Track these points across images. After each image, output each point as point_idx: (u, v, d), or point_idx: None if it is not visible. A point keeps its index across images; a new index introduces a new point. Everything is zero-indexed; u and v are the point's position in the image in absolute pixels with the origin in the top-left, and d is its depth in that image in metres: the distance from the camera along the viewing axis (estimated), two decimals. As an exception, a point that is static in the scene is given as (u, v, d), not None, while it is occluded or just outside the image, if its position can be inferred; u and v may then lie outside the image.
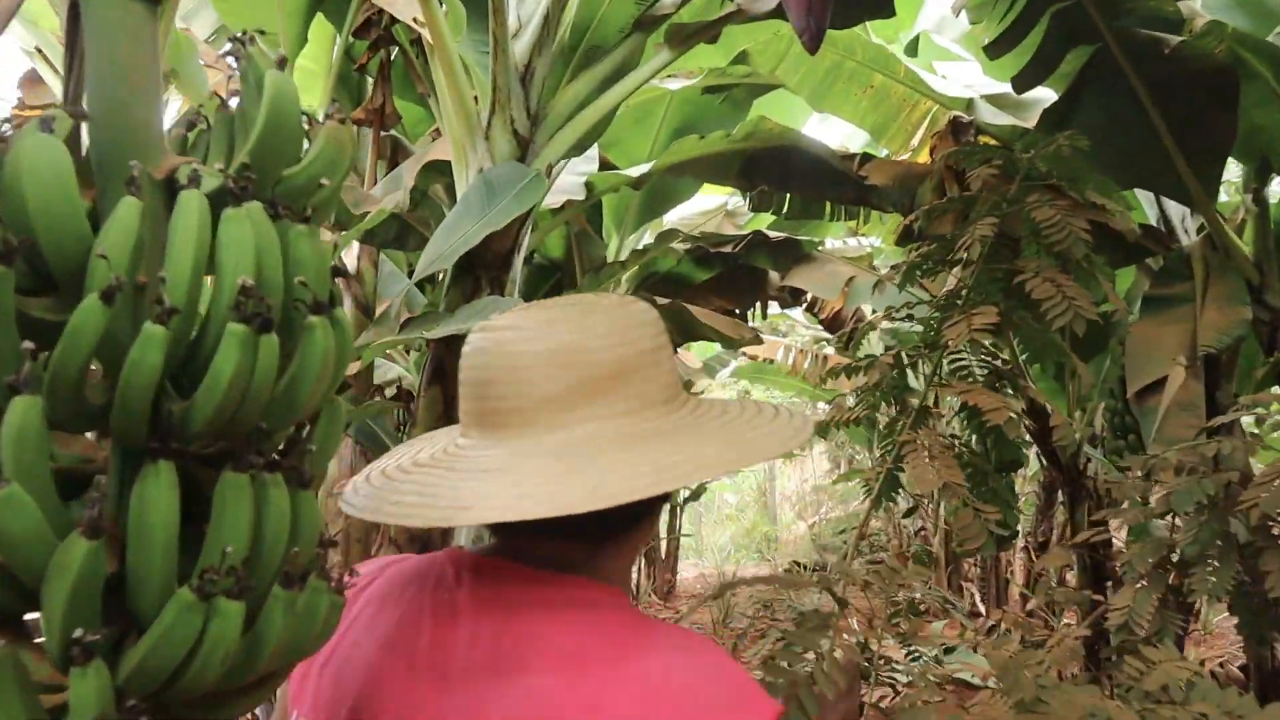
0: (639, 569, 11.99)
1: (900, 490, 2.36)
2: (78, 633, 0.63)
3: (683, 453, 0.92)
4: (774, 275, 6.48)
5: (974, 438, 4.22)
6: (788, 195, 5.00)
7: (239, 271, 0.68)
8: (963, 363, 2.76)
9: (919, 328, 8.12)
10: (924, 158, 4.67)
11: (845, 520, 17.32)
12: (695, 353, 10.91)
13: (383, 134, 4.58)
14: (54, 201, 0.66)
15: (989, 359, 3.00)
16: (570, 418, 0.93)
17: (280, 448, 0.77)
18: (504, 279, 3.18)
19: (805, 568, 14.06)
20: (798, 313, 12.18)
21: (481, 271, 3.13)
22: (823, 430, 2.69)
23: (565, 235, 6.13)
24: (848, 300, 5.75)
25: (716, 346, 11.54)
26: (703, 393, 13.10)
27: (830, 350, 11.07)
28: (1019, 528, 5.80)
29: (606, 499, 0.86)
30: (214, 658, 0.66)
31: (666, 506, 13.15)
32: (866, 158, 4.49)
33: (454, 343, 3.19)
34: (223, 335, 0.66)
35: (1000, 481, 5.45)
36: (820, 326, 10.65)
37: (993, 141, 4.32)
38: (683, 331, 5.44)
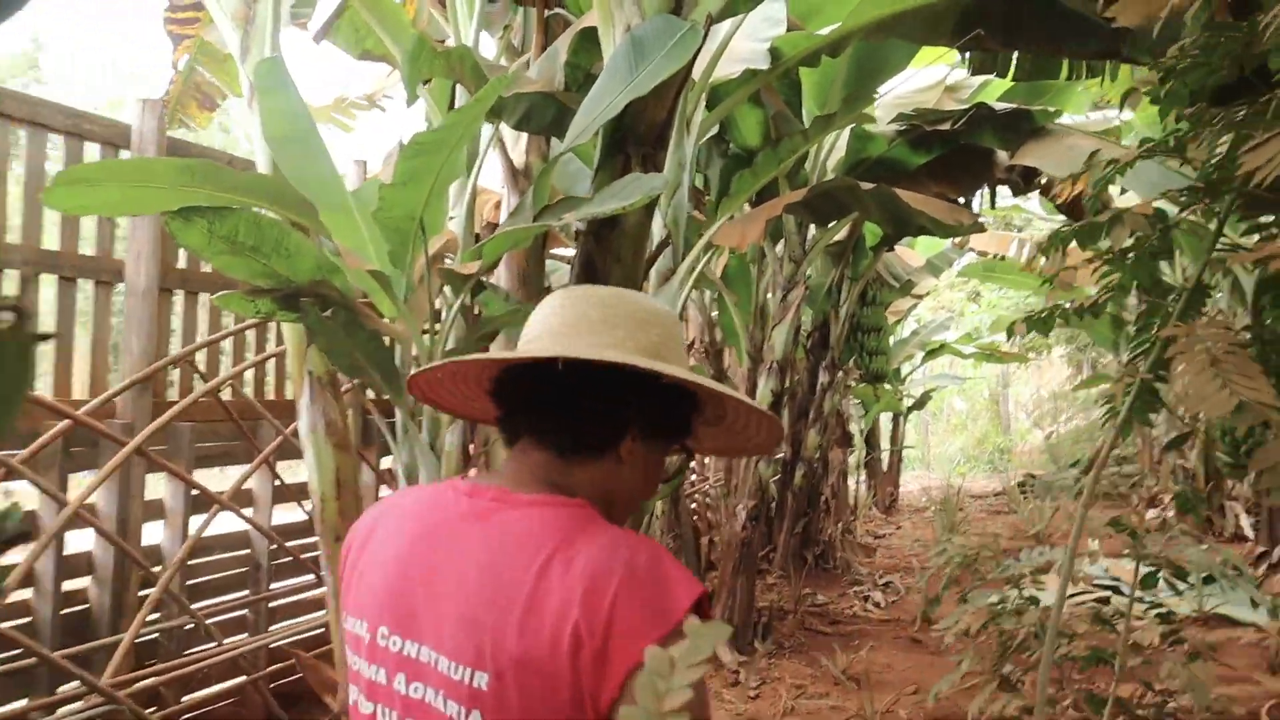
0: (860, 480, 11.44)
1: (1159, 406, 1.73)
2: None
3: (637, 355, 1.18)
4: (1002, 155, 5.68)
5: None
6: (1015, 54, 4.22)
7: None
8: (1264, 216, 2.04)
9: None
10: (1191, -6, 3.79)
11: (1086, 430, 15.97)
12: (919, 249, 10.07)
13: (549, 13, 4.16)
14: None
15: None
16: (569, 344, 1.20)
17: None
18: (659, 157, 2.70)
19: (1039, 481, 13.09)
20: (1034, 204, 11.05)
21: (632, 149, 2.66)
22: (1044, 325, 2.09)
23: (763, 121, 5.56)
24: (1091, 180, 4.90)
25: (945, 244, 10.64)
26: (928, 294, 12.21)
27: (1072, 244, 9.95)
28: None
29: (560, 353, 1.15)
30: None
31: (889, 415, 12.51)
32: (1115, -4, 3.67)
33: (604, 236, 2.76)
34: None
35: None
36: (1061, 215, 9.57)
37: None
38: (892, 221, 4.80)
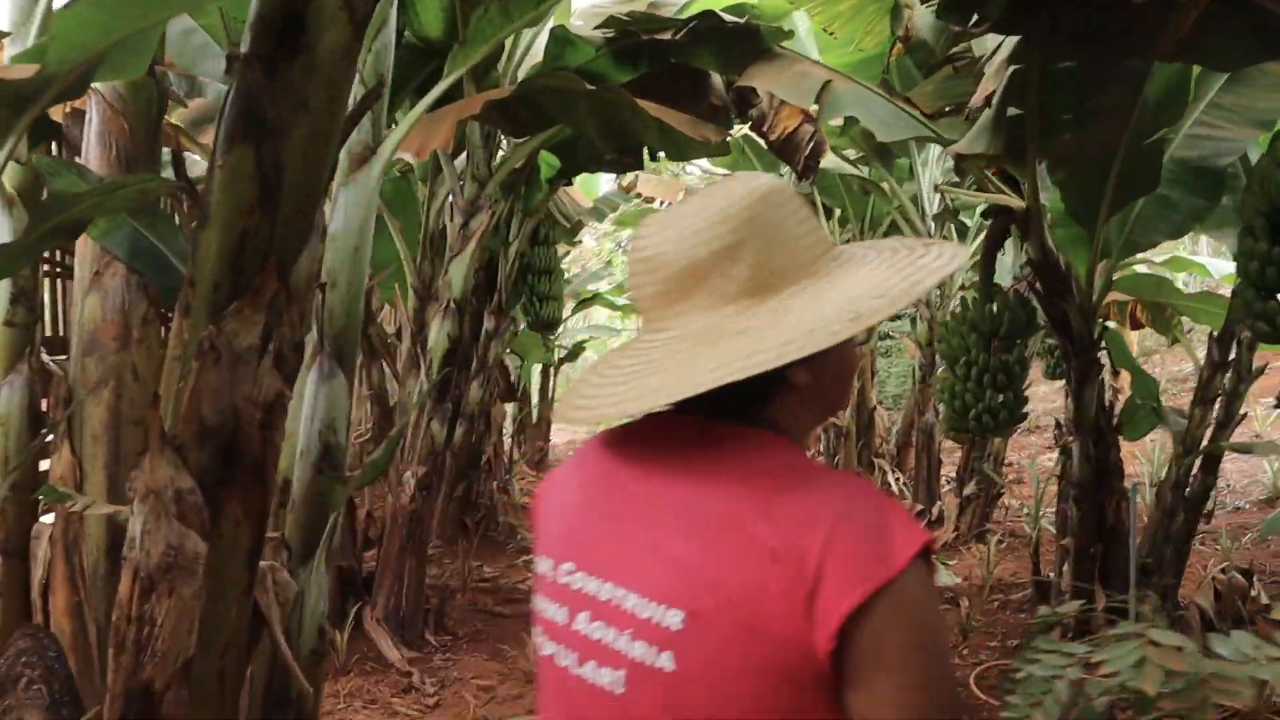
0: (508, 434, 10.73)
1: None
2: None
3: (715, 361, 0.99)
4: (716, 80, 5.05)
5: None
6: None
7: None
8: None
9: (860, 171, 6.75)
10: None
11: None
12: (584, 191, 9.42)
13: None
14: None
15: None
16: (664, 318, 1.06)
17: None
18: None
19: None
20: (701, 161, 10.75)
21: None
22: None
23: (447, 8, 4.56)
24: (823, 112, 4.37)
25: (609, 185, 10.10)
26: (578, 241, 11.65)
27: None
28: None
29: (644, 405, 1.01)
30: None
31: (539, 367, 11.91)
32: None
33: (282, 67, 1.69)
34: None
35: (1010, 355, 4.28)
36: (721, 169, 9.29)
37: None
38: (613, 134, 4.01)
